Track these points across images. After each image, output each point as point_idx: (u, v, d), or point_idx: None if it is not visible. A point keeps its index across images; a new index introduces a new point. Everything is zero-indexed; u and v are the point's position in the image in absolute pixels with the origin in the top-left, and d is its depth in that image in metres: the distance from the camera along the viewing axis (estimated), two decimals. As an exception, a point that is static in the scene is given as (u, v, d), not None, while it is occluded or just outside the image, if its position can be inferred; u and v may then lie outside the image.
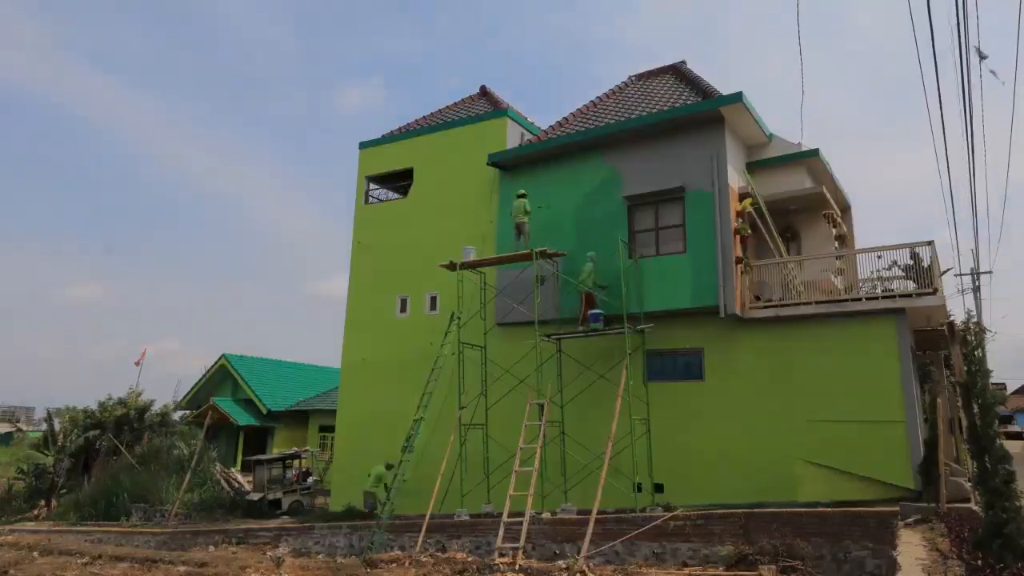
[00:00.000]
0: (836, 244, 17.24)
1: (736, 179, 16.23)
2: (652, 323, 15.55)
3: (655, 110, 17.37)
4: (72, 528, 21.43)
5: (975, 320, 18.33)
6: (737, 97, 15.51)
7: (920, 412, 13.97)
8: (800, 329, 14.72)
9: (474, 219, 19.14)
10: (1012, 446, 17.37)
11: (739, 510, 12.83)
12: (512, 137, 19.67)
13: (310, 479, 25.03)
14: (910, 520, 11.27)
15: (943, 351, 17.00)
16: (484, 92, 23.03)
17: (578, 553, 12.79)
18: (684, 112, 16.19)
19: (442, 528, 15.02)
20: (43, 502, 26.24)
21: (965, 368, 11.61)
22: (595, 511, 12.59)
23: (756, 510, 12.72)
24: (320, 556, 15.60)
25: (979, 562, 8.16)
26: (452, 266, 17.27)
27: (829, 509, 12.31)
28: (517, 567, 11.74)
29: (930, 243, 13.91)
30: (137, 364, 32.68)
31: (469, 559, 13.03)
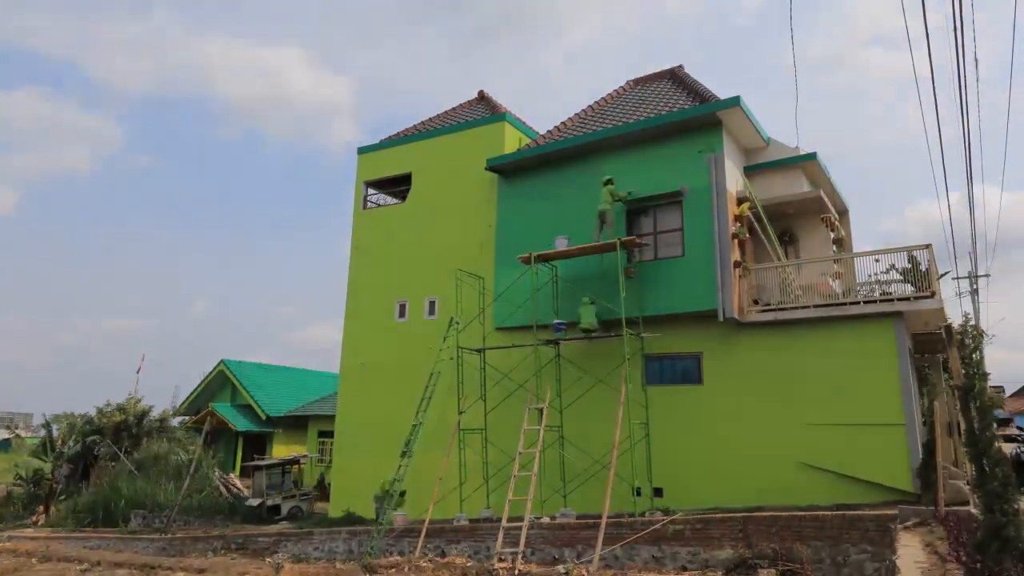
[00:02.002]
0: (834, 248, 17.29)
1: (734, 183, 16.28)
2: (652, 330, 15.57)
3: (653, 114, 17.44)
4: (71, 534, 21.38)
5: (973, 323, 18.39)
6: (735, 101, 15.57)
7: (918, 415, 14.00)
8: (798, 333, 14.74)
9: (473, 224, 19.17)
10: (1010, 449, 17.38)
11: (738, 514, 12.83)
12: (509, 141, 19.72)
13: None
14: (909, 523, 11.29)
15: (941, 354, 17.03)
16: (482, 97, 23.09)
17: (577, 557, 12.80)
18: (682, 116, 16.25)
19: (441, 533, 15.01)
20: (42, 508, 26.19)
21: (963, 371, 11.63)
22: (604, 518, 12.57)
23: (755, 514, 12.72)
24: (320, 562, 15.57)
25: (978, 565, 8.15)
26: (528, 259, 16.54)
27: (828, 512, 12.30)
28: (516, 572, 11.74)
29: (928, 246, 13.96)
30: (139, 371, 32.73)
31: (468, 564, 13.04)
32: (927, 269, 13.88)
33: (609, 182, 16.34)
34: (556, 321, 16.19)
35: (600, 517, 12.67)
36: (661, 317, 15.80)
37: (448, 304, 18.51)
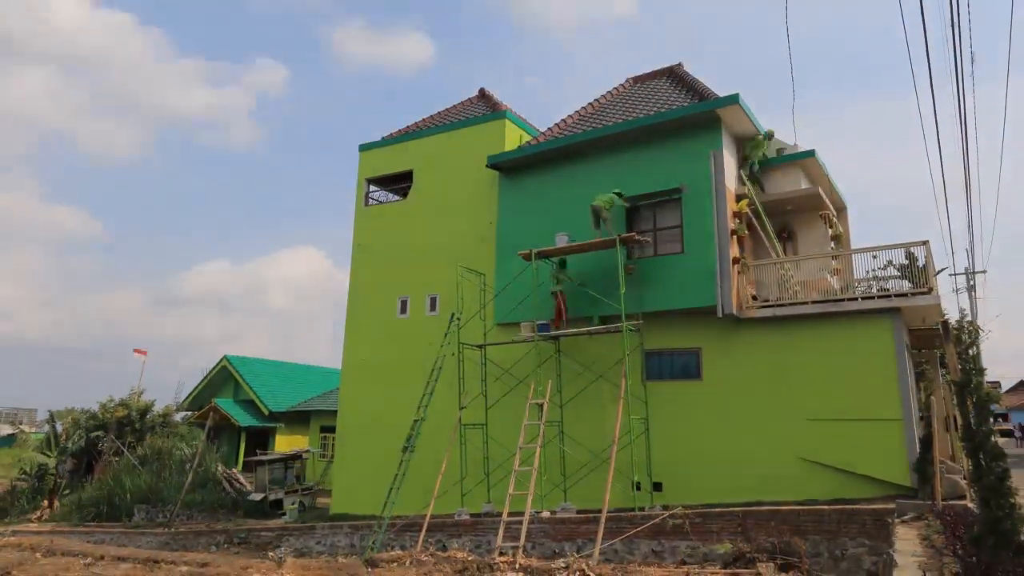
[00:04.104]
0: (832, 244, 17.36)
1: (733, 180, 16.35)
2: (642, 321, 15.63)
3: (652, 112, 17.49)
4: (75, 529, 21.52)
5: (969, 319, 18.47)
6: (734, 99, 15.62)
7: (916, 410, 14.08)
8: (797, 329, 14.83)
9: (474, 220, 19.26)
10: (1006, 444, 17.49)
11: (737, 508, 12.93)
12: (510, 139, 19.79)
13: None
14: (906, 517, 11.36)
15: (938, 350, 17.11)
16: (483, 94, 23.14)
17: (577, 551, 12.91)
18: (681, 114, 16.30)
19: (442, 527, 15.12)
20: (46, 503, 26.35)
21: (960, 366, 11.70)
22: (604, 512, 12.66)
23: (754, 508, 12.81)
24: (322, 556, 15.70)
25: (974, 559, 8.24)
26: (528, 255, 16.64)
27: (826, 507, 12.39)
28: (517, 566, 11.83)
29: (925, 243, 14.02)
30: (142, 354, 32.62)
31: (469, 558, 13.12)
32: (924, 265, 13.95)
33: (619, 195, 16.27)
34: (540, 322, 16.37)
35: (600, 512, 12.78)
36: (661, 313, 15.88)
37: (449, 300, 18.61)
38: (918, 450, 13.02)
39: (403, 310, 20.40)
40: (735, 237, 15.62)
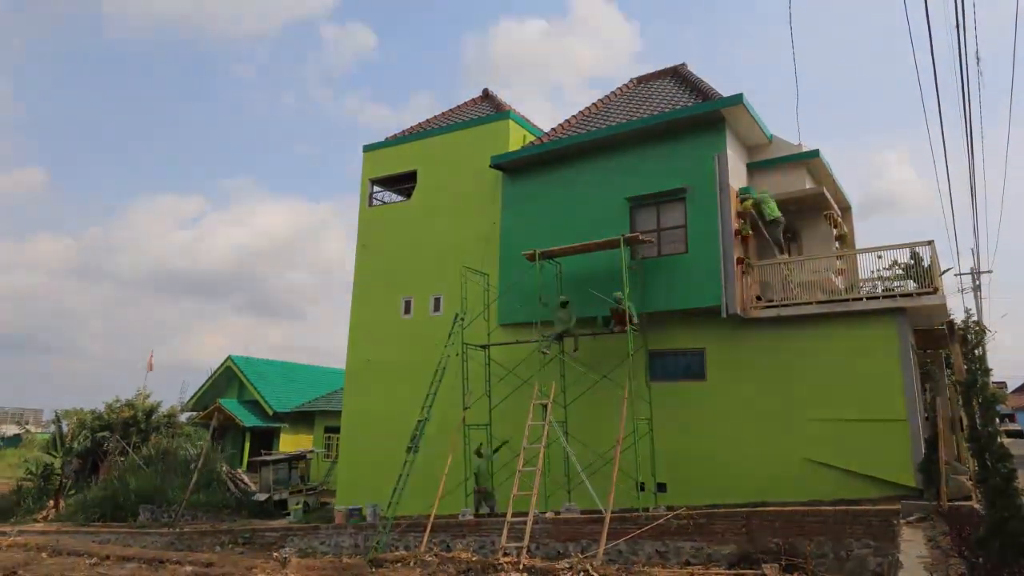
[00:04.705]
0: (837, 244, 17.30)
1: (737, 180, 16.31)
2: (656, 327, 15.61)
3: (656, 112, 17.47)
4: (80, 529, 21.58)
5: (975, 319, 18.41)
6: (738, 99, 15.60)
7: (921, 411, 14.02)
8: (801, 329, 14.78)
9: (478, 221, 19.27)
10: (1013, 444, 17.40)
11: (741, 509, 12.91)
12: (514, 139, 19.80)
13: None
14: (912, 518, 11.33)
15: (944, 350, 17.05)
16: (486, 95, 23.16)
17: (581, 552, 12.90)
18: (685, 114, 16.28)
19: (446, 528, 15.12)
20: (51, 503, 26.44)
21: (965, 367, 11.67)
22: (609, 513, 12.66)
23: (758, 509, 12.79)
24: (326, 556, 15.71)
25: (980, 560, 8.21)
26: (532, 256, 16.54)
27: (831, 508, 12.36)
28: (521, 566, 11.83)
29: (930, 243, 13.96)
30: (151, 368, 32.96)
31: (473, 559, 13.12)
32: (929, 265, 13.90)
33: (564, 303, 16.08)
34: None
35: (604, 512, 12.76)
36: (665, 313, 15.85)
37: (453, 301, 18.61)
38: (923, 451, 12.98)
39: (407, 310, 20.42)
40: (739, 237, 15.58)
